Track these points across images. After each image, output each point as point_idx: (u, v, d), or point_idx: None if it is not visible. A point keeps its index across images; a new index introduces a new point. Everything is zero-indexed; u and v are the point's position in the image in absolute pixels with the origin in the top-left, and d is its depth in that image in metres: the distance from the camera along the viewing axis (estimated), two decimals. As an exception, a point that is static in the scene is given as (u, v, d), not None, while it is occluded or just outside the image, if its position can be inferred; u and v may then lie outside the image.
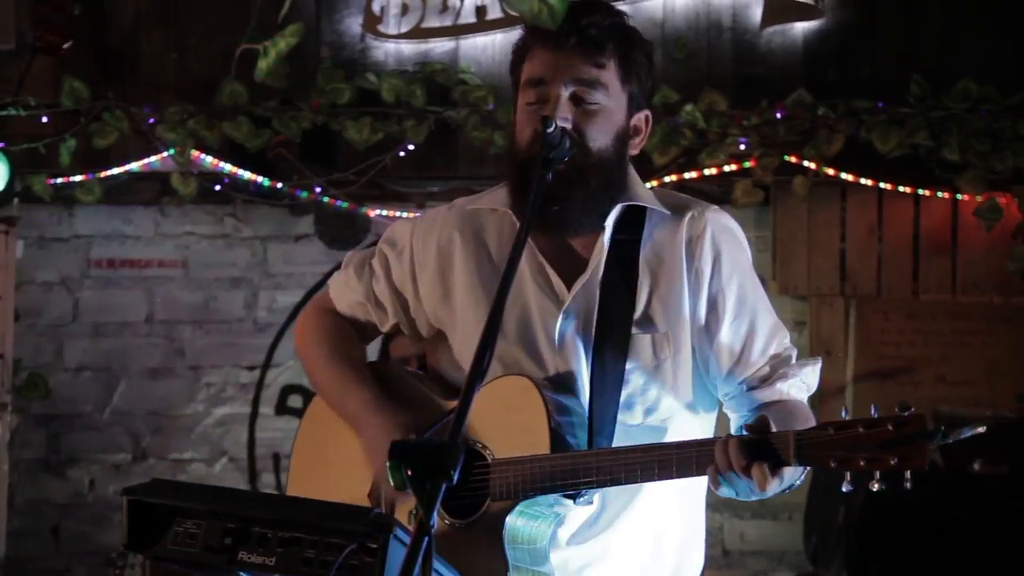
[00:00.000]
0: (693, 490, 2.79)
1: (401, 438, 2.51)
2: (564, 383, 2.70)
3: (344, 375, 2.86)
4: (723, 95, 5.91)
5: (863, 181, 6.03)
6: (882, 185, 6.06)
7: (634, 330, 2.69)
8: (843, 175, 5.99)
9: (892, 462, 2.28)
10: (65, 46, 5.73)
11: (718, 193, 6.23)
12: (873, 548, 5.42)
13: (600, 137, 2.65)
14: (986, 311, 6.29)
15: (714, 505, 6.39)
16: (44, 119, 5.80)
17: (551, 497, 2.59)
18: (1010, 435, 5.50)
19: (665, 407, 2.74)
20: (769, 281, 6.38)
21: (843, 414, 2.38)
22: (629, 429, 2.69)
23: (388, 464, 2.04)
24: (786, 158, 5.91)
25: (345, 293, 2.96)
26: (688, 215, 2.73)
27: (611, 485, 2.57)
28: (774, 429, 2.42)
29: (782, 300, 6.41)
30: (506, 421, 2.62)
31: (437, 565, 2.29)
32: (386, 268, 2.89)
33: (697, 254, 2.71)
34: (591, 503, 2.64)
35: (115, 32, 6.13)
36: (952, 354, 6.30)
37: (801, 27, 6.14)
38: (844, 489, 2.36)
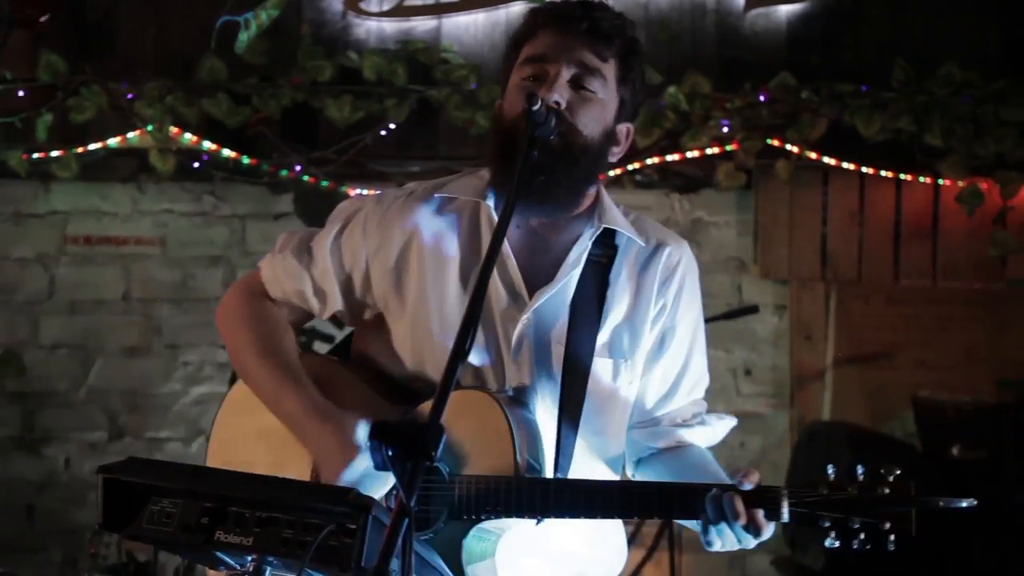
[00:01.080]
0: None
1: (350, 445, 2.52)
2: (519, 394, 2.68)
3: (278, 373, 2.72)
4: (706, 78, 5.89)
5: (845, 165, 6.01)
6: (864, 169, 6.04)
7: (596, 354, 2.70)
8: (825, 159, 5.98)
9: (884, 527, 2.38)
10: (42, 19, 5.65)
11: (700, 176, 6.22)
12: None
13: (591, 125, 2.65)
14: (966, 297, 6.30)
15: (692, 488, 6.39)
16: (20, 93, 5.73)
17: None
18: (989, 421, 5.51)
19: (608, 433, 2.77)
20: (750, 265, 6.38)
21: (829, 471, 2.42)
22: (582, 454, 2.70)
23: (368, 444, 2.00)
24: (769, 141, 5.89)
25: (280, 279, 2.82)
26: (666, 251, 2.77)
27: (583, 517, 2.57)
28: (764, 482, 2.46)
29: (763, 284, 6.41)
30: (466, 437, 2.58)
31: (417, 547, 2.27)
32: (335, 251, 2.78)
33: (667, 290, 2.75)
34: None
35: (93, 6, 6.06)
36: (931, 339, 6.31)
37: (785, 10, 6.13)
38: (827, 544, 2.42)
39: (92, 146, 5.87)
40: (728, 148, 5.90)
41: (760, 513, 2.41)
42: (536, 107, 2.46)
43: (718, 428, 2.85)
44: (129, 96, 5.78)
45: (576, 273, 2.70)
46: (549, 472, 2.62)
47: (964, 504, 2.35)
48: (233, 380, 6.23)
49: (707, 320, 5.98)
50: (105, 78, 5.80)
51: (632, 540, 6.18)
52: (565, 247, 2.72)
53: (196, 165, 5.93)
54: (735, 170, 5.94)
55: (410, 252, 2.74)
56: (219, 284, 6.36)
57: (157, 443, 6.35)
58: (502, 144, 2.64)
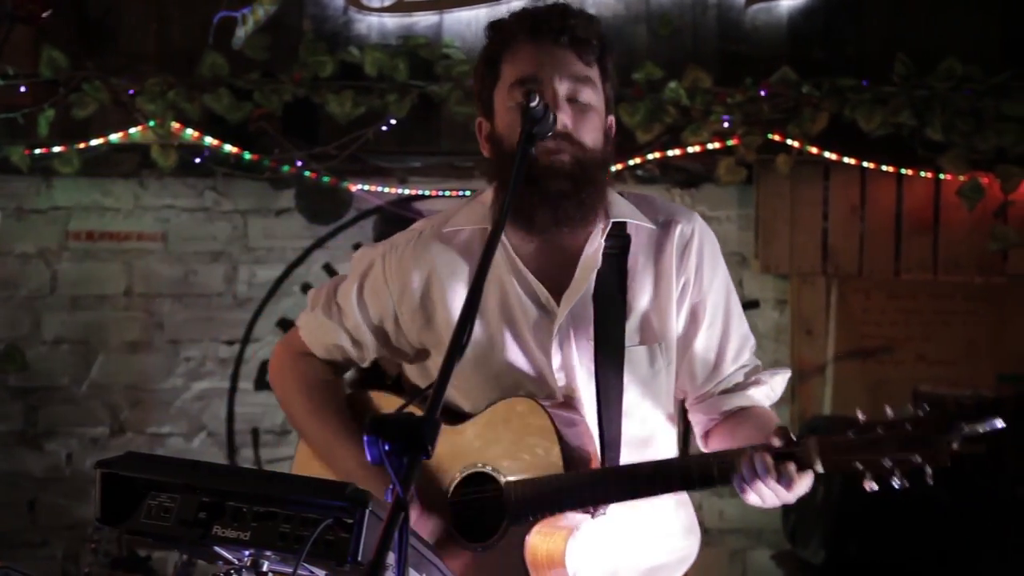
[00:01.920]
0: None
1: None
2: (566, 398, 2.72)
3: (329, 429, 2.83)
4: (708, 72, 5.89)
5: (846, 160, 6.02)
6: (865, 164, 6.05)
7: (628, 343, 2.72)
8: (826, 154, 5.98)
9: (916, 460, 2.35)
10: (44, 15, 5.66)
11: (701, 171, 6.22)
12: (851, 527, 5.43)
13: (593, 135, 2.66)
14: (967, 291, 6.31)
15: (693, 483, 6.39)
16: (22, 89, 5.73)
17: (567, 512, 2.61)
18: (989, 414, 5.49)
19: (656, 417, 2.80)
20: (751, 259, 6.38)
21: (859, 415, 2.43)
22: (628, 439, 2.73)
23: (365, 439, 2.01)
24: (770, 136, 5.89)
25: (318, 336, 2.92)
26: (678, 227, 2.77)
27: (631, 500, 2.60)
28: (794, 440, 2.46)
29: (764, 278, 6.41)
30: (514, 443, 2.63)
31: (414, 542, 2.28)
32: (361, 304, 2.85)
33: (686, 264, 2.75)
34: (605, 514, 2.65)
35: (95, 2, 6.06)
36: (932, 333, 6.32)
37: (786, 5, 6.13)
38: (868, 488, 2.40)
39: (94, 142, 5.87)
40: (729, 143, 5.90)
41: (792, 467, 2.42)
42: (535, 104, 2.46)
43: (774, 384, 2.85)
44: (131, 92, 5.79)
45: (595, 271, 2.72)
46: (597, 465, 2.66)
47: (988, 428, 2.33)
48: (235, 375, 6.28)
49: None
50: (107, 74, 5.80)
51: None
52: (578, 248, 2.73)
53: (197, 160, 5.94)
54: (736, 165, 5.95)
55: (432, 290, 2.79)
56: (221, 280, 6.38)
57: (159, 438, 6.36)
58: (506, 170, 2.58)
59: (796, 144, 5.89)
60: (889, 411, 2.41)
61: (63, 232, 6.35)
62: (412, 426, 2.02)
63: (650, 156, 5.94)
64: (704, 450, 2.87)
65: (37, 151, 5.83)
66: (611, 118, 2.76)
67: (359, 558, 2.09)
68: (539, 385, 2.72)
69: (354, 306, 2.85)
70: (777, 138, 5.89)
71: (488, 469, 2.65)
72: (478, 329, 2.72)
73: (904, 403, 5.98)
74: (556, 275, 2.73)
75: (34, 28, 5.78)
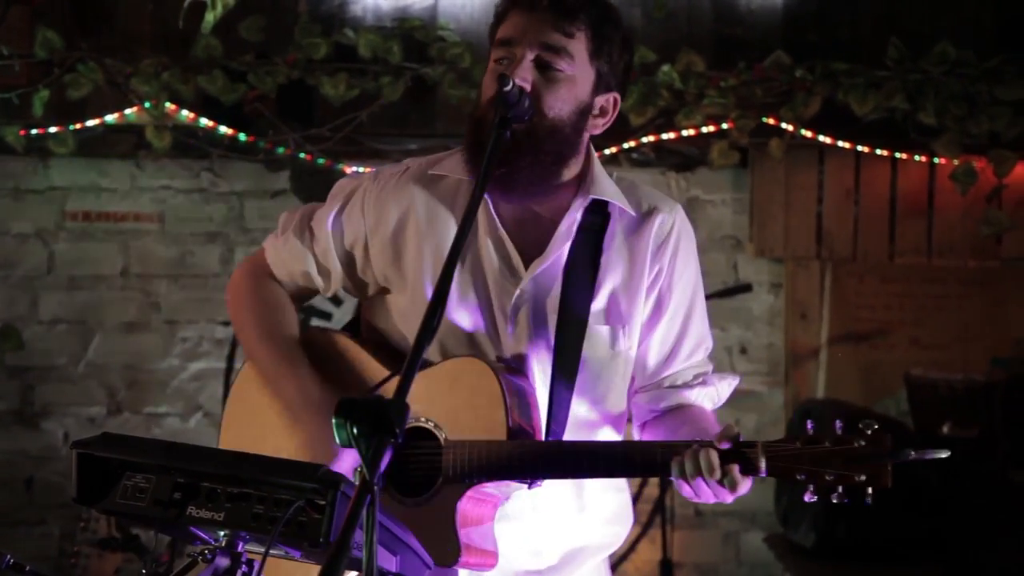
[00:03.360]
0: None
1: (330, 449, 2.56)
2: (517, 363, 2.72)
3: (279, 355, 2.81)
4: (702, 56, 5.88)
5: (840, 144, 6.02)
6: (859, 148, 6.05)
7: (592, 321, 2.72)
8: (821, 138, 5.98)
9: (859, 479, 2.35)
10: (40, -5, 5.68)
11: (696, 154, 6.23)
12: (841, 510, 5.43)
13: (558, 105, 2.63)
14: (961, 275, 6.32)
15: (687, 465, 6.41)
16: (16, 69, 5.74)
17: (504, 481, 2.61)
18: (980, 399, 5.53)
19: (609, 401, 2.80)
20: (746, 243, 6.39)
21: (808, 426, 2.43)
22: (576, 419, 2.73)
23: (334, 421, 2.03)
24: (765, 120, 5.89)
25: (284, 259, 2.89)
26: (659, 218, 2.77)
27: (570, 477, 2.63)
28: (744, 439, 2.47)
29: (758, 262, 6.43)
30: (461, 404, 2.62)
31: (389, 524, 2.30)
32: (336, 229, 2.83)
33: (662, 254, 2.75)
34: (541, 485, 2.65)
35: (91, -18, 6.09)
36: (926, 317, 6.33)
37: (782, -12, 6.13)
38: (806, 499, 2.42)
39: (89, 123, 5.88)
40: (724, 126, 5.91)
41: (736, 468, 2.42)
42: (508, 88, 2.47)
43: (721, 388, 2.86)
44: (126, 73, 5.79)
45: (567, 244, 2.72)
46: (541, 437, 2.66)
47: (934, 455, 2.34)
48: (231, 356, 6.29)
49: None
50: (102, 55, 5.80)
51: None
52: (556, 218, 2.73)
53: (192, 142, 5.95)
54: (729, 148, 5.94)
55: (407, 227, 2.78)
56: (217, 260, 6.40)
57: (155, 418, 6.39)
58: (472, 129, 2.66)
59: (790, 128, 5.89)
60: (839, 425, 2.41)
61: (60, 212, 6.38)
62: (380, 409, 2.03)
63: (644, 139, 5.94)
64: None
65: (32, 131, 5.84)
66: (607, 96, 2.73)
67: (331, 539, 2.11)
68: (492, 344, 2.72)
69: (328, 231, 2.82)
70: (771, 122, 5.89)
71: (430, 425, 2.64)
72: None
73: (898, 387, 6.01)
74: (531, 242, 2.74)
75: (30, 8, 5.79)
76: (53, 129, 5.85)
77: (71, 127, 5.85)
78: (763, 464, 2.42)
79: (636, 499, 6.25)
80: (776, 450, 2.42)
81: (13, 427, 6.34)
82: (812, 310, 6.34)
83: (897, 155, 6.08)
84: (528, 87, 2.59)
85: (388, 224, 2.78)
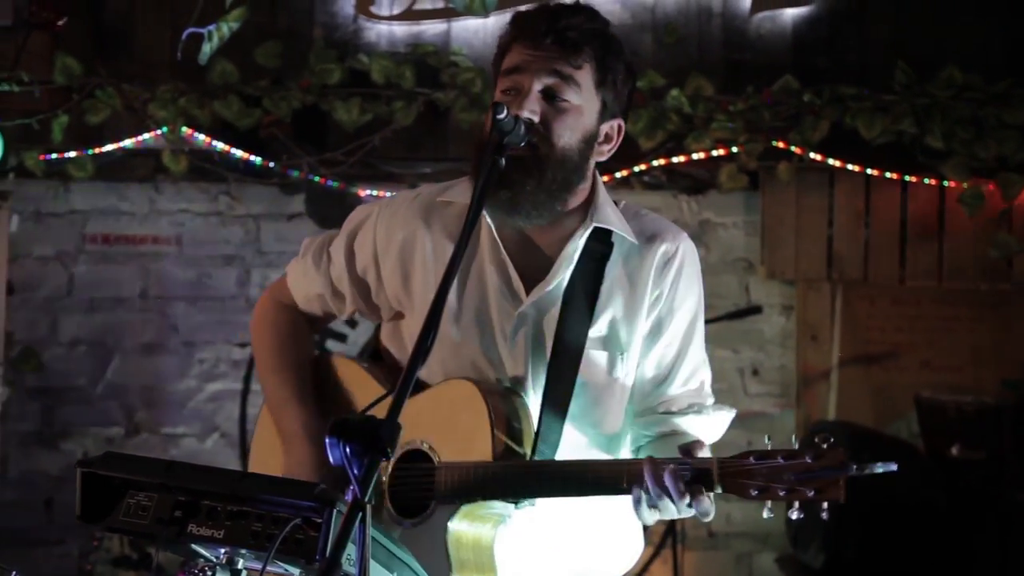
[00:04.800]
0: None
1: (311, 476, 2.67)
2: (515, 384, 2.76)
3: (285, 390, 2.92)
4: (711, 80, 5.94)
5: (850, 167, 6.05)
6: (869, 171, 6.08)
7: (589, 347, 2.75)
8: (830, 161, 6.01)
9: (809, 495, 2.36)
10: (60, 23, 5.76)
11: (707, 177, 6.27)
12: (850, 531, 5.47)
13: (566, 135, 2.68)
14: (971, 297, 6.33)
15: (699, 486, 6.44)
16: (37, 95, 5.83)
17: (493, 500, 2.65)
18: (990, 421, 5.54)
19: (608, 424, 2.83)
20: (757, 265, 6.43)
21: (766, 441, 2.45)
22: (573, 442, 2.76)
23: (327, 440, 2.08)
24: (774, 143, 5.93)
25: (303, 283, 2.99)
26: (663, 245, 2.81)
27: (549, 497, 2.65)
28: (700, 455, 2.51)
29: (770, 284, 6.46)
30: (452, 425, 2.69)
31: (385, 541, 2.35)
32: (348, 255, 2.91)
33: (663, 279, 2.80)
34: (533, 505, 2.69)
35: (110, 9, 6.16)
36: (937, 340, 6.35)
37: (791, 13, 6.17)
38: (765, 515, 2.45)
39: (108, 147, 5.97)
40: (734, 150, 5.95)
41: (689, 486, 2.44)
42: (502, 116, 2.52)
43: (716, 419, 2.86)
44: (144, 98, 5.87)
45: (569, 270, 2.76)
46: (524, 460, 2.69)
47: (881, 470, 2.33)
48: (247, 377, 6.36)
49: (711, 321, 6.01)
50: (120, 80, 5.89)
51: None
52: (559, 244, 2.78)
53: (208, 166, 6.03)
54: (737, 172, 5.99)
55: (414, 252, 2.84)
56: (234, 283, 6.47)
57: (173, 439, 6.46)
58: (475, 155, 2.70)
59: (798, 151, 5.93)
60: (795, 441, 2.42)
61: (80, 235, 6.46)
62: (372, 429, 2.09)
63: (655, 163, 5.99)
64: None
65: (52, 156, 5.93)
66: (612, 123, 2.78)
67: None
68: (492, 365, 2.77)
69: (342, 256, 2.91)
70: (781, 145, 5.93)
71: (425, 447, 2.70)
72: (450, 303, 2.77)
73: (909, 409, 6.03)
74: (534, 266, 2.78)
75: (51, 35, 5.87)
76: (72, 154, 5.94)
77: (90, 152, 5.94)
78: (716, 479, 2.43)
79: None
80: (730, 466, 2.44)
81: (33, 447, 6.42)
82: (823, 332, 6.37)
83: (907, 178, 6.10)
84: (537, 118, 2.65)
85: (397, 248, 2.85)
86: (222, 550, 2.32)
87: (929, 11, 6.13)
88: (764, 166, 6.07)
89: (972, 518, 5.42)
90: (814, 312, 6.39)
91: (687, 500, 2.45)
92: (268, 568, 2.23)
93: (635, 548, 2.94)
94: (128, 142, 5.96)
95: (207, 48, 3.10)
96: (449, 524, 2.62)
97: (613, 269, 2.79)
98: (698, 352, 2.87)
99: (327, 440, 2.10)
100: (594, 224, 2.77)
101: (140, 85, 5.88)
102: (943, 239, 6.24)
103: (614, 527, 2.88)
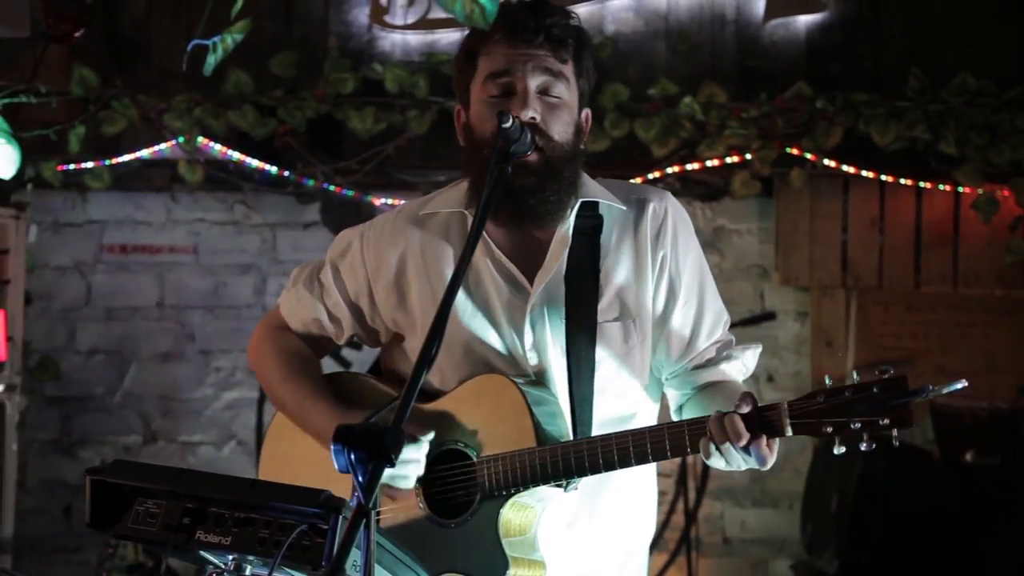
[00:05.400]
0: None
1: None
2: (538, 375, 2.77)
3: (302, 392, 2.88)
4: (725, 88, 5.95)
5: (864, 173, 6.05)
6: (883, 178, 6.09)
7: (601, 319, 2.76)
8: (844, 167, 6.02)
9: (883, 423, 2.38)
10: (77, 35, 5.79)
11: (721, 184, 6.29)
12: (865, 536, 5.47)
13: (563, 129, 2.71)
14: (987, 303, 6.33)
15: (715, 493, 6.46)
16: (54, 106, 5.88)
17: (540, 487, 2.66)
18: (1004, 426, 5.54)
19: (633, 392, 2.84)
20: (772, 272, 6.44)
21: (827, 381, 2.46)
22: (604, 416, 2.77)
23: (332, 448, 2.10)
24: (788, 150, 5.94)
25: (297, 310, 2.97)
26: (650, 207, 2.82)
27: (605, 471, 2.64)
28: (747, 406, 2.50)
29: (784, 291, 6.47)
30: (486, 419, 2.69)
31: (390, 547, 2.37)
32: (339, 281, 2.91)
33: (662, 240, 2.81)
34: (577, 488, 2.70)
35: (127, 21, 6.21)
36: (952, 345, 6.35)
37: (804, 20, 6.17)
38: (836, 451, 2.45)
39: (125, 157, 6.01)
40: (748, 157, 5.96)
41: (758, 435, 2.46)
42: (508, 124, 2.53)
43: (746, 358, 2.87)
44: (160, 108, 5.92)
45: (566, 250, 2.77)
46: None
47: (948, 390, 2.35)
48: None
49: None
50: (136, 91, 5.93)
51: (655, 545, 6.27)
52: (550, 228, 2.79)
53: (224, 175, 6.07)
54: (750, 179, 6.00)
55: (407, 269, 2.85)
56: (250, 291, 6.52)
57: (190, 447, 6.50)
58: (477, 161, 2.71)
59: (812, 158, 5.93)
60: (855, 375, 2.44)
61: (98, 245, 6.52)
62: (377, 436, 2.11)
63: (669, 170, 6.00)
64: None
65: (69, 167, 5.97)
66: (586, 112, 2.82)
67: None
68: (511, 364, 2.77)
69: (332, 283, 2.91)
70: (796, 152, 5.94)
71: (460, 446, 2.70)
72: (452, 314, 2.75)
73: (924, 415, 6.02)
74: (530, 257, 2.79)
75: (68, 47, 5.91)
76: (89, 164, 5.98)
77: (107, 162, 5.98)
78: (787, 423, 2.45)
79: (663, 528, 6.29)
80: (799, 408, 2.45)
81: (52, 456, 6.47)
82: (838, 338, 6.38)
83: (922, 184, 6.10)
84: (538, 117, 2.67)
85: (389, 268, 2.85)
86: (230, 557, 2.34)
87: (942, 17, 6.13)
88: (777, 173, 6.07)
89: (986, 523, 5.41)
90: (829, 318, 6.39)
91: (757, 448, 2.46)
92: (275, 574, 2.25)
93: (654, 516, 2.97)
94: (144, 152, 6.01)
95: (211, 59, 3.13)
96: (500, 514, 2.62)
97: (609, 240, 2.81)
98: (714, 301, 2.88)
99: (332, 447, 2.12)
100: (580, 199, 2.78)
101: (156, 96, 5.92)
102: (958, 245, 6.24)
103: (637, 498, 2.91)
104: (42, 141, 5.87)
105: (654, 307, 2.81)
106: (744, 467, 2.54)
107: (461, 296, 2.78)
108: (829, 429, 2.41)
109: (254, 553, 2.29)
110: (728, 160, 5.96)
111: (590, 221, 2.80)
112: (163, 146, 5.97)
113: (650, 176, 5.99)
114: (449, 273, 2.77)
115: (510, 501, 2.64)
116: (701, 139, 5.91)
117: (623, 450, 2.60)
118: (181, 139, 5.89)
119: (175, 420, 6.52)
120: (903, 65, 6.00)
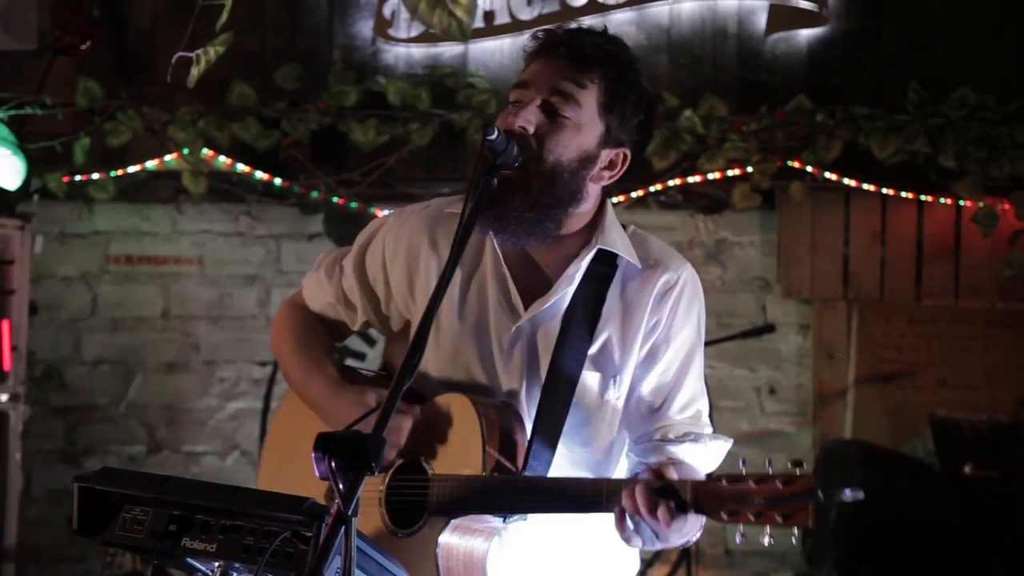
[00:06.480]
0: None
1: (363, 413, 2.61)
2: (509, 398, 2.78)
3: (308, 362, 2.93)
4: (726, 101, 5.97)
5: (866, 186, 6.07)
6: (885, 191, 6.11)
7: (586, 366, 2.76)
8: (846, 180, 6.04)
9: (778, 519, 2.35)
10: (83, 47, 5.85)
11: (723, 197, 6.31)
12: (864, 549, 5.47)
13: (559, 151, 2.68)
14: (988, 316, 6.34)
15: (716, 505, 6.46)
16: (60, 118, 5.92)
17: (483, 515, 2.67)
18: (1004, 439, 5.54)
19: (597, 444, 2.83)
20: (774, 284, 6.46)
21: (741, 465, 2.44)
22: (566, 459, 2.77)
23: (313, 455, 2.13)
24: (789, 163, 5.96)
25: (316, 293, 3.01)
26: (665, 273, 2.81)
27: (534, 512, 2.66)
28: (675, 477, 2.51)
29: (786, 303, 6.49)
30: (445, 438, 2.72)
31: (373, 553, 2.39)
32: (359, 266, 2.94)
33: (662, 307, 2.79)
34: (524, 520, 2.69)
35: (133, 34, 6.25)
36: (953, 358, 6.36)
37: (805, 34, 6.20)
38: (737, 540, 2.44)
39: (130, 169, 6.05)
40: (750, 170, 5.98)
41: (662, 506, 2.44)
42: (492, 137, 2.56)
43: (711, 448, 2.84)
44: (165, 120, 5.95)
45: (571, 289, 2.77)
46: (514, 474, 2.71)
47: (848, 498, 2.30)
48: (268, 395, 6.42)
49: (724, 339, 6.02)
50: (142, 103, 5.97)
51: (657, 556, 6.28)
52: (562, 263, 2.79)
53: (228, 187, 6.11)
54: (751, 191, 6.02)
55: (419, 261, 2.87)
56: (255, 302, 6.55)
57: (194, 457, 6.53)
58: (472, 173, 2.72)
59: (813, 171, 5.95)
60: (768, 466, 2.41)
61: (103, 256, 6.56)
62: (358, 443, 2.14)
63: (671, 183, 6.02)
64: None
65: (75, 178, 6.02)
66: (616, 151, 2.75)
67: (317, 569, 2.21)
68: (489, 376, 2.78)
69: (353, 267, 2.94)
70: (796, 165, 5.96)
71: (421, 459, 2.73)
72: (451, 314, 2.80)
73: (925, 428, 6.03)
74: (534, 283, 2.80)
75: (75, 59, 5.96)
76: (95, 175, 6.03)
77: (112, 173, 6.03)
78: (690, 500, 2.43)
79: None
80: (702, 488, 2.44)
81: (57, 465, 6.50)
82: (839, 351, 6.39)
83: (923, 198, 6.12)
84: (531, 128, 2.67)
85: (403, 255, 2.89)
86: (215, 563, 2.36)
87: (942, 32, 6.16)
88: (778, 185, 6.09)
89: (985, 536, 5.41)
90: (830, 331, 6.41)
91: (661, 521, 2.44)
92: (260, 581, 2.27)
93: (630, 567, 2.94)
94: (150, 164, 6.05)
95: (195, 71, 3.18)
96: (440, 538, 2.65)
97: (615, 290, 2.80)
98: (695, 382, 2.86)
99: (312, 455, 2.15)
100: (599, 246, 2.78)
101: (161, 108, 5.96)
102: (959, 258, 6.25)
103: (608, 545, 2.83)
104: (48, 152, 5.91)
105: (635, 366, 2.80)
106: (655, 544, 2.52)
107: (461, 300, 2.81)
108: (725, 515, 2.39)
109: (239, 560, 2.31)
110: (729, 173, 5.98)
111: (604, 269, 2.79)
112: (168, 158, 6.01)
113: (652, 188, 6.02)
114: (455, 273, 2.76)
115: (452, 524, 2.65)
116: (702, 152, 5.93)
117: (548, 495, 2.63)
118: (186, 151, 5.93)
119: (179, 430, 6.55)
120: (902, 79, 6.03)
